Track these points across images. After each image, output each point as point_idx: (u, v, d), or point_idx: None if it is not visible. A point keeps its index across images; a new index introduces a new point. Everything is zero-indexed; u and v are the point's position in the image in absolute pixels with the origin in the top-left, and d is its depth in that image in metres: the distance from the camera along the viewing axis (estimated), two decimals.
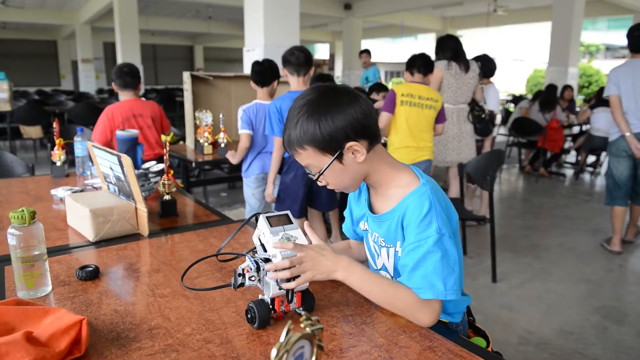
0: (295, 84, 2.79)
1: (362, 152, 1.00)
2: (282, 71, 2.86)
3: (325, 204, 3.05)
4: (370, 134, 1.01)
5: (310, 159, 1.02)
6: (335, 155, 0.99)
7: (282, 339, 0.47)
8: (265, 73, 2.97)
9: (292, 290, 0.96)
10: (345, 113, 0.97)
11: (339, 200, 3.30)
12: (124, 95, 3.18)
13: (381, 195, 1.10)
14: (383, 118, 3.13)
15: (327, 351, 0.88)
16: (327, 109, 0.98)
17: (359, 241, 1.26)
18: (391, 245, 1.07)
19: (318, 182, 1.06)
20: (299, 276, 0.95)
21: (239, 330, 0.95)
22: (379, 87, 4.80)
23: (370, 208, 1.14)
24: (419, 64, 3.18)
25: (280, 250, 0.93)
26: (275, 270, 0.93)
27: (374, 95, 4.19)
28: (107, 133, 3.07)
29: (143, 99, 3.36)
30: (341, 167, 1.02)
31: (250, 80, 3.05)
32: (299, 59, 2.71)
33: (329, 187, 1.08)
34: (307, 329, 0.49)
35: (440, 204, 1.00)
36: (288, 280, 0.94)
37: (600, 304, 2.79)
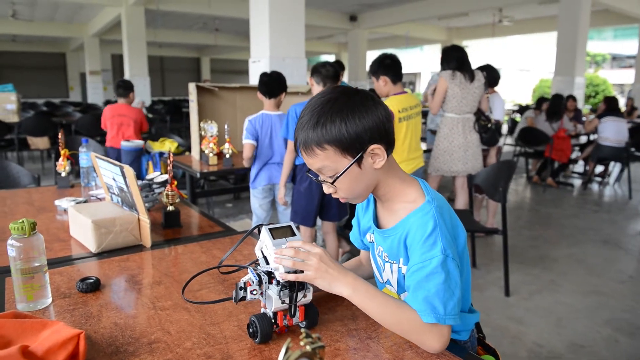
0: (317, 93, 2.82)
1: (382, 157, 0.97)
2: (309, 79, 2.93)
3: (336, 214, 3.03)
4: (390, 139, 0.99)
5: (328, 161, 0.96)
6: (357, 157, 0.95)
7: (280, 357, 0.45)
8: (272, 84, 3.00)
9: (295, 304, 0.93)
10: (372, 114, 0.95)
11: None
12: (119, 101, 4.71)
13: (387, 209, 1.07)
14: None
15: None
16: (354, 108, 0.94)
17: (368, 251, 1.22)
18: (394, 261, 1.04)
19: (326, 189, 1.02)
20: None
21: (240, 345, 0.93)
22: None
23: (376, 221, 1.11)
24: (399, 70, 3.04)
25: (283, 258, 0.91)
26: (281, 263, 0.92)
27: None
28: (104, 122, 4.64)
29: (145, 109, 4.20)
30: (358, 172, 0.97)
31: (258, 92, 3.06)
32: (329, 71, 2.83)
33: (336, 195, 1.03)
34: (307, 347, 0.47)
35: (445, 223, 0.96)
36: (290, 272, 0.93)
37: (611, 316, 2.74)
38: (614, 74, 22.46)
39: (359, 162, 0.96)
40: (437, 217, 0.95)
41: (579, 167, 7.43)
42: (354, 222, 1.23)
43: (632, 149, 6.45)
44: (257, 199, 3.08)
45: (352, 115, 0.93)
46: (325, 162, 0.97)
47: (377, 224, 1.10)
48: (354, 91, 0.98)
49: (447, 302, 0.91)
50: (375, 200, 1.12)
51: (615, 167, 7.03)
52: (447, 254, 0.92)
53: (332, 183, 0.99)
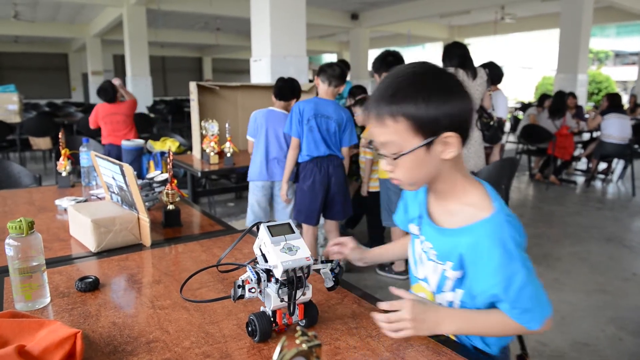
0: (323, 92, 2.90)
1: (454, 149, 0.90)
2: (315, 78, 2.96)
3: (340, 212, 3.02)
4: (467, 134, 0.92)
5: (396, 136, 0.90)
6: (428, 140, 0.88)
7: (275, 356, 0.44)
8: (285, 89, 3.11)
9: (294, 302, 0.92)
10: (457, 100, 0.89)
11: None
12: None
13: (443, 207, 0.99)
14: None
15: None
16: (440, 88, 0.88)
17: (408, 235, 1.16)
18: (441, 263, 0.97)
19: (384, 165, 0.96)
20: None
21: (239, 343, 0.92)
22: (363, 101, 3.87)
23: (428, 215, 1.03)
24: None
25: (282, 261, 0.90)
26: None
27: (356, 109, 3.67)
28: (97, 121, 4.73)
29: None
30: (424, 157, 0.90)
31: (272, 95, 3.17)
32: (335, 71, 2.86)
33: (392, 175, 0.96)
34: (304, 345, 0.46)
35: (515, 229, 0.90)
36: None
37: (615, 314, 2.72)
38: (617, 71, 22.36)
39: (428, 145, 0.89)
40: (510, 228, 0.89)
41: (582, 164, 7.39)
42: (400, 204, 1.17)
43: (636, 146, 6.41)
44: (255, 196, 3.09)
45: (437, 95, 0.87)
46: (393, 136, 0.90)
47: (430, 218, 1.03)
48: (443, 71, 0.92)
49: (544, 310, 0.90)
50: (426, 191, 1.05)
51: (618, 164, 6.99)
52: (527, 265, 0.88)
53: (394, 159, 0.92)
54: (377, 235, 3.78)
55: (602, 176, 6.69)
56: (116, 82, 4.82)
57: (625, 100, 10.46)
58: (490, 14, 11.95)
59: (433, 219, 1.01)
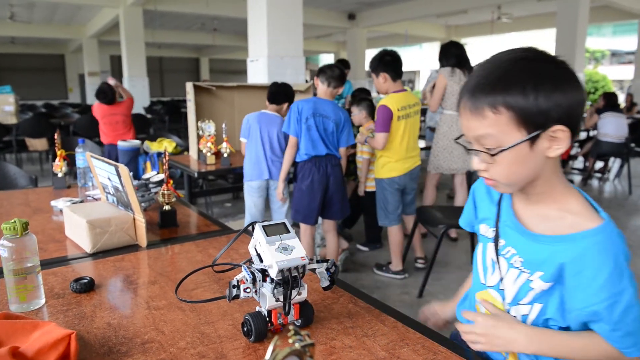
0: (322, 92, 2.92)
1: (562, 145, 0.80)
2: (315, 79, 2.98)
3: (338, 212, 3.02)
4: (577, 129, 0.82)
5: (496, 128, 0.80)
6: (533, 134, 0.79)
7: (267, 356, 0.43)
8: (278, 94, 3.11)
9: (290, 302, 0.92)
10: (570, 90, 0.79)
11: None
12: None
13: (535, 210, 0.90)
14: (381, 140, 2.97)
15: None
16: (552, 76, 0.78)
17: None
18: (528, 271, 0.87)
19: (476, 164, 0.86)
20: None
21: (234, 344, 0.92)
22: (360, 101, 3.73)
23: (513, 217, 0.93)
24: (399, 68, 3.01)
25: (277, 261, 0.89)
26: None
27: (353, 109, 3.65)
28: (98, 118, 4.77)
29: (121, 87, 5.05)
30: (526, 153, 0.81)
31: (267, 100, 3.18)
32: (334, 72, 2.88)
33: (485, 174, 0.86)
34: (296, 345, 0.46)
35: (624, 246, 0.81)
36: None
37: None
38: (613, 70, 22.42)
39: (532, 141, 0.80)
40: (619, 242, 0.81)
41: (579, 163, 7.41)
42: (468, 203, 1.08)
43: (632, 145, 6.43)
44: (251, 197, 3.09)
45: (547, 84, 0.77)
46: (491, 129, 0.80)
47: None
48: (553, 57, 0.82)
49: None
50: (512, 194, 0.95)
51: (615, 163, 7.01)
52: (634, 284, 0.80)
53: (492, 155, 0.82)
54: (374, 235, 3.78)
55: (598, 175, 6.71)
56: (112, 81, 4.83)
57: (621, 99, 10.49)
58: (487, 14, 11.97)
59: (522, 224, 0.91)
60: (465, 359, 0.88)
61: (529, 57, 0.81)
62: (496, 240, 0.94)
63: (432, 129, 4.62)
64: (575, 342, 0.85)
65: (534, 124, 0.78)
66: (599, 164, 6.73)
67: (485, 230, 0.99)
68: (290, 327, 0.47)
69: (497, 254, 0.93)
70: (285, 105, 3.11)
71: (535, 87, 0.77)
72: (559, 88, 0.78)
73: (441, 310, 1.20)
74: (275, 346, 0.44)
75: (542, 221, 0.88)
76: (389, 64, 2.98)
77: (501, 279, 0.93)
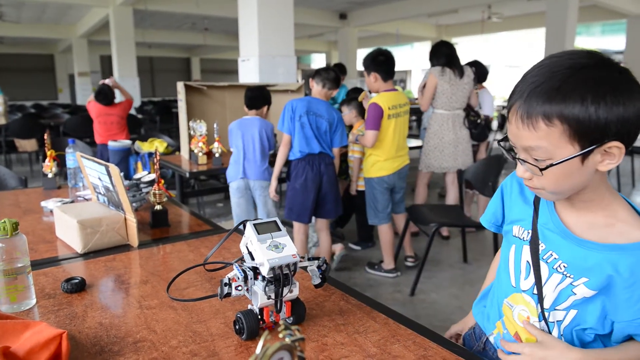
0: (317, 93, 2.95)
1: (615, 160, 0.76)
2: (310, 81, 3.01)
3: (332, 210, 3.03)
4: (632, 143, 0.77)
5: (547, 141, 0.75)
6: (587, 149, 0.74)
7: (258, 350, 0.44)
8: (255, 99, 3.08)
9: (281, 299, 0.92)
10: (632, 102, 0.73)
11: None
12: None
13: (581, 216, 0.86)
14: (370, 137, 2.98)
15: None
16: (615, 88, 0.72)
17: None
18: (571, 276, 0.84)
19: (520, 172, 0.83)
20: None
21: (226, 342, 0.92)
22: (349, 101, 3.76)
23: (556, 221, 0.89)
24: (391, 68, 3.04)
25: (268, 259, 0.89)
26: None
27: (343, 108, 3.66)
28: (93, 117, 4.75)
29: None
30: (577, 167, 0.77)
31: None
32: (329, 75, 2.93)
33: (529, 183, 0.84)
34: (287, 340, 0.46)
35: None
36: None
37: None
38: None
39: (585, 155, 0.75)
40: None
41: None
42: (493, 203, 1.05)
43: None
44: (234, 197, 3.10)
45: (610, 97, 0.72)
46: (542, 141, 0.76)
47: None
48: (617, 66, 0.75)
49: None
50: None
51: None
52: None
53: (541, 169, 0.78)
54: (367, 234, 3.79)
55: None
56: (109, 82, 4.82)
57: None
58: (477, 14, 12.04)
59: (567, 228, 0.87)
60: (455, 354, 0.89)
61: (591, 65, 0.74)
62: (535, 243, 0.89)
63: None
64: (626, 355, 0.83)
65: (590, 138, 0.74)
66: None
67: (519, 231, 0.94)
68: (281, 322, 0.48)
69: (539, 258, 0.89)
70: (265, 109, 3.10)
71: (596, 100, 0.72)
72: (621, 101, 0.72)
73: (461, 329, 1.20)
74: (266, 341, 0.44)
75: (590, 228, 0.84)
76: (381, 64, 3.00)
77: (536, 284, 0.89)
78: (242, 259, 0.99)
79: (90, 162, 1.57)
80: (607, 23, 15.82)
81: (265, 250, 0.91)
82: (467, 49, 17.79)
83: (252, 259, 0.94)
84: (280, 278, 0.90)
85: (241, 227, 1.00)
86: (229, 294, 0.92)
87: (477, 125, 3.90)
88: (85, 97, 14.24)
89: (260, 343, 0.44)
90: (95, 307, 1.07)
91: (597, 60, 0.75)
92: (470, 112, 3.86)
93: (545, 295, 0.88)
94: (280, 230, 0.96)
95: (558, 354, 0.84)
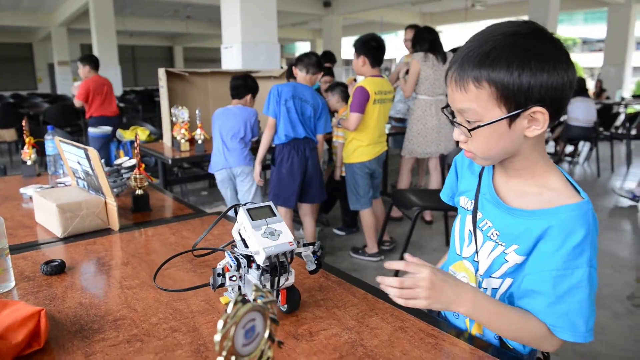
0: (301, 79, 2.97)
1: (541, 126, 0.79)
2: (294, 69, 3.03)
3: (317, 195, 3.05)
4: (560, 112, 0.81)
5: (476, 103, 0.80)
6: (512, 113, 0.78)
7: (229, 310, 0.45)
8: (238, 88, 3.07)
9: (278, 288, 0.89)
10: (558, 71, 0.76)
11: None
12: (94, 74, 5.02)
13: (513, 185, 0.90)
14: (354, 120, 3.00)
15: (296, 335, 0.87)
16: (541, 55, 0.76)
17: None
18: (503, 244, 0.88)
19: (456, 135, 0.87)
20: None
21: (207, 318, 0.93)
22: (333, 87, 3.77)
23: (493, 191, 0.92)
24: (380, 56, 3.06)
25: (264, 247, 0.85)
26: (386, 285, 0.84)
27: (327, 95, 3.65)
28: (87, 94, 4.84)
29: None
30: (504, 131, 0.81)
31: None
32: (311, 59, 2.96)
33: (465, 146, 0.87)
34: (258, 301, 0.47)
35: (596, 229, 0.82)
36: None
37: None
38: (584, 57, 22.89)
39: (511, 119, 0.79)
40: (592, 222, 0.81)
41: (550, 147, 7.58)
42: (449, 177, 1.08)
43: (601, 129, 6.61)
44: (221, 189, 3.14)
45: (534, 63, 0.75)
46: (472, 103, 0.80)
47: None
48: (549, 36, 0.79)
49: (590, 319, 0.80)
50: (492, 167, 0.95)
51: (584, 147, 7.20)
52: (593, 265, 0.80)
53: (469, 130, 0.82)
54: (351, 219, 3.82)
55: (569, 158, 6.89)
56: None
57: (591, 85, 10.74)
58: (461, 1, 12.07)
59: (500, 198, 0.90)
60: (430, 325, 0.91)
61: (522, 33, 0.78)
62: (475, 212, 0.94)
63: (396, 119, 4.63)
64: (513, 314, 0.84)
65: (514, 102, 0.78)
66: (569, 148, 6.91)
67: (464, 202, 0.99)
68: (254, 283, 0.49)
69: (475, 226, 0.93)
70: (248, 97, 3.08)
71: (521, 65, 0.76)
72: (545, 68, 0.76)
73: None
74: (237, 301, 0.45)
75: (520, 196, 0.88)
76: (372, 49, 3.03)
77: (476, 251, 0.93)
78: (231, 244, 0.96)
79: (70, 146, 1.55)
80: (589, 11, 15.96)
81: (260, 238, 0.86)
82: (450, 37, 17.81)
83: (246, 246, 0.90)
84: (276, 267, 0.87)
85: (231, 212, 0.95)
86: (223, 284, 0.89)
87: None
88: (66, 86, 13.97)
89: (231, 304, 0.45)
90: (75, 288, 1.07)
91: (530, 30, 0.79)
92: None
93: (480, 262, 0.92)
94: (275, 215, 0.91)
95: (455, 283, 0.84)
